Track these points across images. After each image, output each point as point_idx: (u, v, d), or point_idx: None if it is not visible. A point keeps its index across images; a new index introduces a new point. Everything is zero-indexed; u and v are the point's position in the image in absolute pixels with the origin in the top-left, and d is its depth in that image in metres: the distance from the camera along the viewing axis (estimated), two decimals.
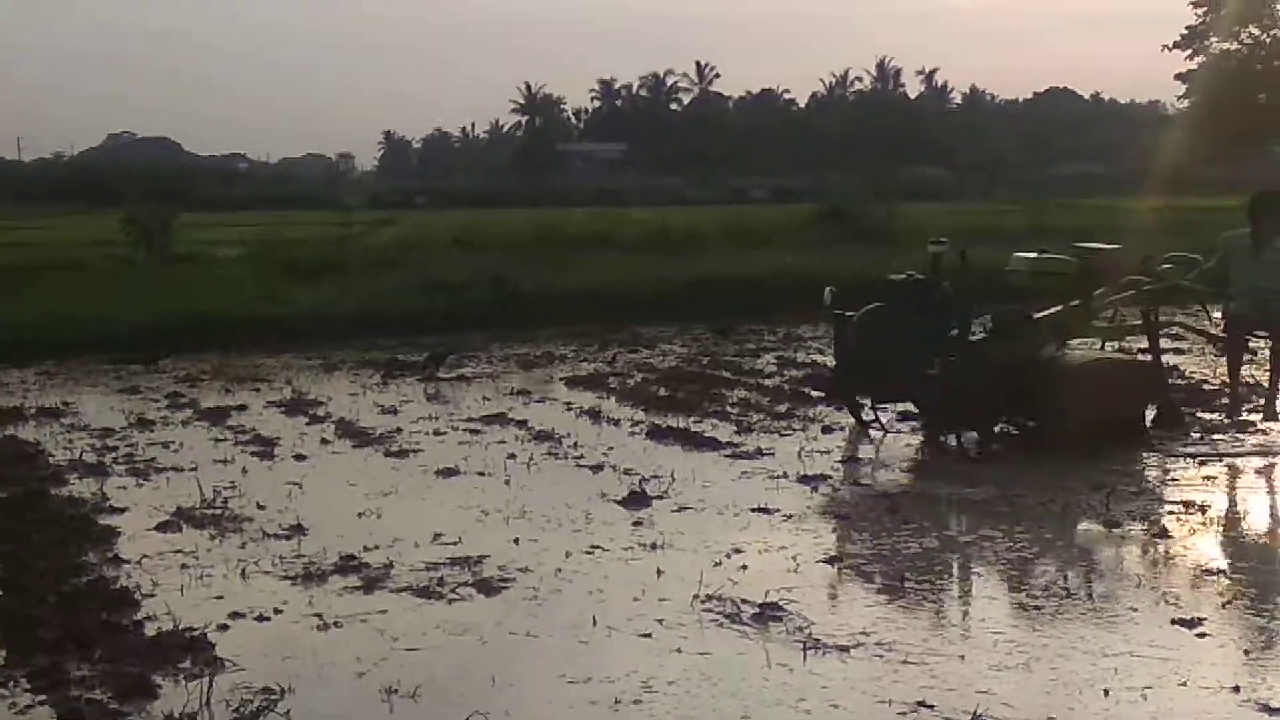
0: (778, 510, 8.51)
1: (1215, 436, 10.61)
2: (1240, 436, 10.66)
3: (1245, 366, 11.88)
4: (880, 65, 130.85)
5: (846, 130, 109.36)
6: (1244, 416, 11.21)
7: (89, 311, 17.74)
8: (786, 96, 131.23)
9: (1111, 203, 42.61)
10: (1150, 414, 10.73)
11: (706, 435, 10.92)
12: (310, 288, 20.32)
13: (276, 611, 6.62)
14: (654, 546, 7.77)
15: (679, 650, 6.05)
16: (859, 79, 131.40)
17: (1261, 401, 11.53)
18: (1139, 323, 11.42)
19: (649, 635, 6.25)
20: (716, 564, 7.35)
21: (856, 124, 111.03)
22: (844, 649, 6.00)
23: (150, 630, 6.33)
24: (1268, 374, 11.58)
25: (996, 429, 10.46)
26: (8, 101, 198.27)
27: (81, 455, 10.44)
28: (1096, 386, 10.21)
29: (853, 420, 11.24)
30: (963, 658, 5.91)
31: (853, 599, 6.88)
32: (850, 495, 9.01)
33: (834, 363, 11.93)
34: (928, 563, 7.45)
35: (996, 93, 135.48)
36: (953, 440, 10.40)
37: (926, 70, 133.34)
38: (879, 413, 11.19)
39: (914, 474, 9.87)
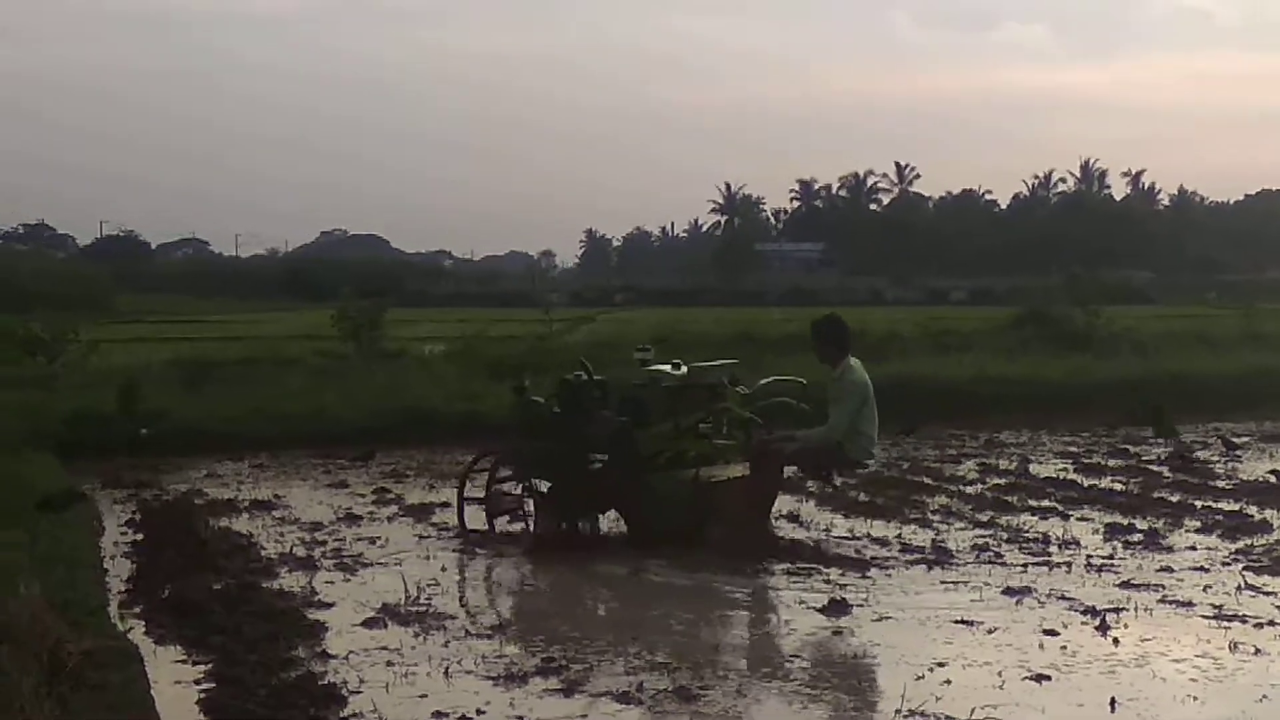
0: (981, 623, 8.34)
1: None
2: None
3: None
4: (1084, 166, 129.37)
5: (1049, 232, 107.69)
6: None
7: (300, 406, 18.21)
8: (988, 197, 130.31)
9: None
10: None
11: (907, 542, 10.80)
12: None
13: (479, 713, 6.68)
14: (854, 657, 7.68)
15: None
16: (1062, 179, 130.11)
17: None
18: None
19: None
20: (919, 677, 7.23)
21: (1059, 225, 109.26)
22: None
23: None
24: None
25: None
26: (228, 199, 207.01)
27: (292, 549, 10.72)
28: (662, 498, 10.85)
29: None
30: None
31: (1060, 718, 6.70)
32: (1054, 610, 8.73)
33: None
34: (1136, 679, 7.19)
35: (1206, 194, 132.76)
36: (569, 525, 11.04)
37: (1133, 171, 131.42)
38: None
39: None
